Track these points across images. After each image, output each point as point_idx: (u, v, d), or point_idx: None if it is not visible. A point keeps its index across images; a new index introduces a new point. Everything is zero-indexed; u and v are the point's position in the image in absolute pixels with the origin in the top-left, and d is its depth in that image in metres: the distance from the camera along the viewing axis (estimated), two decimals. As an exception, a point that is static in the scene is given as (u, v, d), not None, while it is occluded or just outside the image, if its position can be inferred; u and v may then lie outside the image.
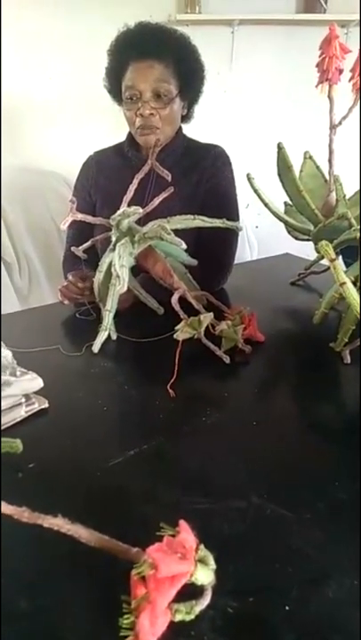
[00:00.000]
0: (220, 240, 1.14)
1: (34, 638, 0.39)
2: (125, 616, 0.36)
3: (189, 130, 1.24)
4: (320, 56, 0.92)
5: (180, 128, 1.20)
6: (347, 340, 0.84)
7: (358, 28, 2.18)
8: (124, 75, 1.08)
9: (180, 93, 1.11)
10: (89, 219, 0.91)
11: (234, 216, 1.16)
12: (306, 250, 1.24)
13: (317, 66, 0.93)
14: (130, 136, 1.20)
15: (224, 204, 1.16)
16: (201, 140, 1.23)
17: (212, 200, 1.15)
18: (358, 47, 0.92)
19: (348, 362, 0.82)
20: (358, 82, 0.93)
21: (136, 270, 0.98)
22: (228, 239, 1.16)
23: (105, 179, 1.21)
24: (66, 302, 1.04)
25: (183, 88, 1.12)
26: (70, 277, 1.03)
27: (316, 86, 0.94)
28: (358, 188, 1.06)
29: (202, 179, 1.15)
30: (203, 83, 1.17)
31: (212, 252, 1.12)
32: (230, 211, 1.16)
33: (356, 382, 0.78)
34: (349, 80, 0.93)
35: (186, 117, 1.21)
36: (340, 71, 0.92)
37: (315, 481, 0.56)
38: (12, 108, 2.21)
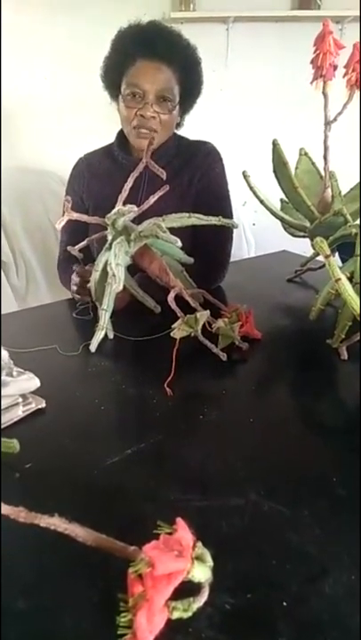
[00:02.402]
0: (215, 238, 1.14)
1: (32, 637, 0.39)
2: (123, 614, 0.36)
3: (185, 126, 1.23)
4: (314, 52, 0.92)
5: None
6: (343, 337, 0.84)
7: (353, 24, 2.18)
8: (128, 70, 1.05)
9: (180, 102, 1.10)
10: (84, 218, 0.91)
11: (227, 212, 1.16)
12: (303, 247, 1.24)
13: (312, 62, 0.93)
14: (119, 137, 1.18)
15: (217, 200, 1.16)
16: (197, 137, 1.23)
17: (204, 197, 1.15)
18: (352, 43, 0.92)
19: (345, 358, 0.82)
20: (352, 78, 0.93)
21: (133, 269, 0.98)
22: (223, 236, 1.16)
23: (96, 183, 1.19)
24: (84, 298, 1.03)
25: (183, 97, 1.11)
26: (78, 274, 1.02)
27: (311, 83, 0.94)
28: (355, 183, 1.05)
29: (194, 176, 1.15)
30: (199, 95, 1.16)
31: (208, 249, 1.12)
32: (223, 207, 1.16)
33: (353, 378, 0.78)
34: (344, 76, 0.93)
35: (178, 125, 1.19)
36: (335, 67, 0.92)
37: (313, 477, 0.56)
38: (9, 109, 2.21)
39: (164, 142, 1.13)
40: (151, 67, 1.03)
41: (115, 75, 1.09)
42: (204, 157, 1.17)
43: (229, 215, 1.15)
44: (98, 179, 1.20)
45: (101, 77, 1.14)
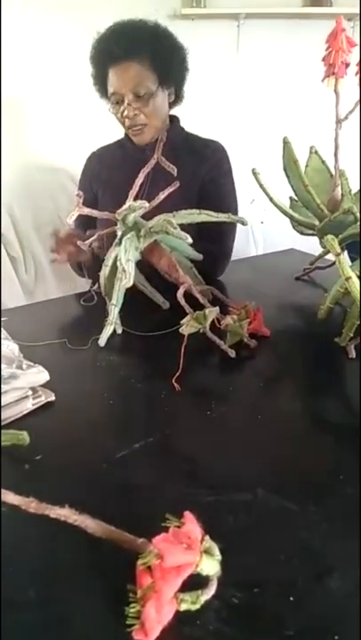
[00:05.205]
0: (218, 228, 1.14)
1: (42, 628, 0.40)
2: (132, 605, 0.37)
3: (196, 124, 1.24)
4: (326, 49, 0.91)
5: (178, 120, 1.23)
6: (352, 335, 0.84)
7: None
8: (107, 80, 1.11)
9: (162, 84, 1.12)
10: (95, 213, 0.91)
11: (233, 208, 1.20)
12: (312, 246, 1.24)
13: (323, 59, 0.92)
14: None
15: (222, 196, 1.19)
16: (206, 134, 1.24)
17: (210, 193, 1.18)
18: (364, 40, 0.92)
19: (353, 356, 0.82)
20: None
21: (141, 265, 0.98)
22: (226, 228, 1.18)
23: (105, 169, 1.25)
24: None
25: (163, 78, 1.12)
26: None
27: (322, 80, 0.93)
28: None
29: (199, 172, 1.18)
30: (185, 63, 1.17)
31: (211, 239, 1.13)
32: (229, 203, 1.19)
33: (362, 377, 0.78)
34: (356, 74, 0.93)
35: (177, 99, 1.20)
36: (347, 65, 0.91)
37: (319, 474, 0.56)
38: (20, 105, 2.21)
39: (168, 134, 1.14)
40: (120, 70, 1.07)
41: (102, 87, 1.16)
42: (211, 154, 1.20)
43: (235, 211, 1.19)
44: (106, 165, 1.25)
45: (98, 93, 1.21)
